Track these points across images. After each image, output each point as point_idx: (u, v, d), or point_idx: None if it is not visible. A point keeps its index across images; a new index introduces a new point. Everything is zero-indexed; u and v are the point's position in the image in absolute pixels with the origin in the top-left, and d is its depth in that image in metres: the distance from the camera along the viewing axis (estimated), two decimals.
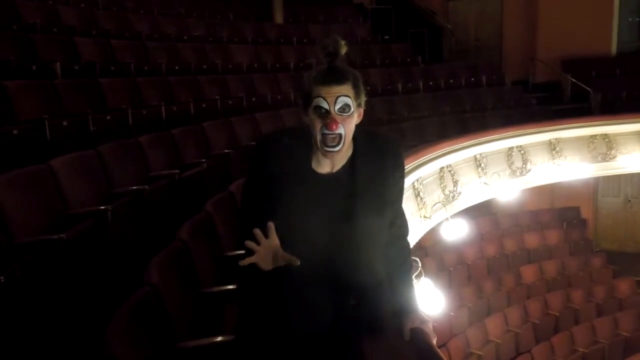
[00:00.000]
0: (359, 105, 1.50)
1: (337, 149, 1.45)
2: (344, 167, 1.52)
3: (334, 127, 1.43)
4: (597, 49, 10.77)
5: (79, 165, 3.14)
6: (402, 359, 1.56)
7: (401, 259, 1.63)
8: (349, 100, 1.46)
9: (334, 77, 1.46)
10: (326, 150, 1.46)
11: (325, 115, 1.45)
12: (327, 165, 1.52)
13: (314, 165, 1.51)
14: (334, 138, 1.44)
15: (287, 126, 5.92)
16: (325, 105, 1.44)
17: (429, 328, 1.57)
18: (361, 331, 1.53)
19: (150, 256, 2.19)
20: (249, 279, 1.57)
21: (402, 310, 1.58)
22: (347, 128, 1.46)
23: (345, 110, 1.45)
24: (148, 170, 3.81)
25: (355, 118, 1.49)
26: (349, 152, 1.52)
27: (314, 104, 1.46)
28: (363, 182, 1.50)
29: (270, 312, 1.51)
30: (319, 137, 1.45)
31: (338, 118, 1.44)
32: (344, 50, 1.49)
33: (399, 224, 1.63)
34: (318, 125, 1.45)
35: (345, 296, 1.48)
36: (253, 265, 1.51)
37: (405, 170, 1.66)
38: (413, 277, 1.67)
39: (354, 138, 1.52)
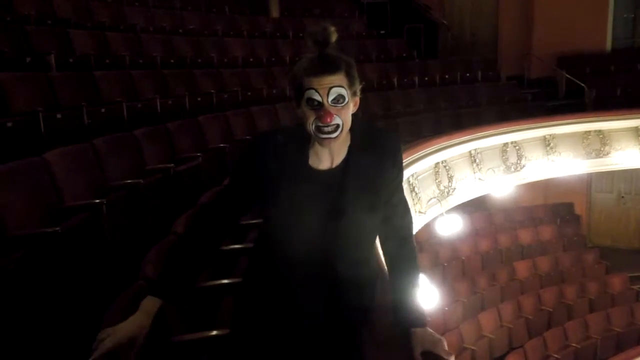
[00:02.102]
0: (354, 94, 1.42)
1: (334, 135, 1.37)
2: (342, 161, 1.45)
3: (328, 120, 1.35)
4: (592, 45, 10.81)
5: (73, 158, 3.13)
6: (399, 356, 1.55)
7: (407, 266, 1.55)
8: (342, 91, 1.37)
9: (326, 66, 1.37)
10: (322, 138, 1.37)
11: (319, 108, 1.37)
12: (327, 160, 1.45)
13: (311, 162, 1.44)
14: (330, 129, 1.37)
15: (281, 122, 5.93)
16: (318, 98, 1.36)
17: (442, 348, 1.47)
18: (355, 326, 1.52)
19: (145, 250, 2.18)
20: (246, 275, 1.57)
21: (409, 324, 1.51)
22: (343, 118, 1.38)
23: (340, 101, 1.37)
24: (143, 164, 3.80)
25: (350, 108, 1.41)
26: (347, 143, 1.45)
27: (305, 96, 1.37)
28: (356, 176, 1.43)
29: (263, 307, 1.49)
30: (312, 129, 1.38)
31: (332, 110, 1.36)
32: (334, 37, 1.39)
33: (401, 225, 1.56)
34: (311, 118, 1.37)
35: (339, 292, 1.45)
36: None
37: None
38: (419, 286, 1.55)
39: (352, 130, 1.45)
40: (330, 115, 1.35)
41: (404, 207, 1.56)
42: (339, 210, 1.41)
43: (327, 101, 1.36)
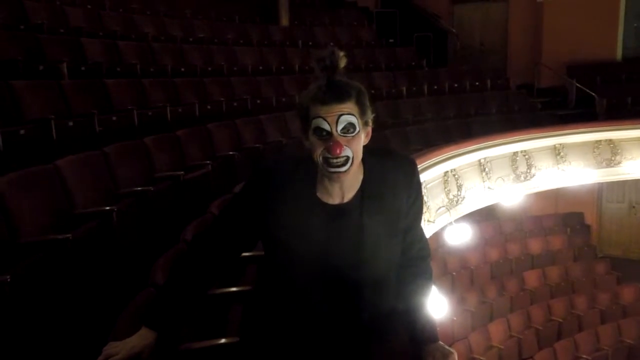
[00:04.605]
0: (365, 124, 1.32)
1: (343, 169, 1.28)
2: (355, 195, 1.36)
3: (338, 151, 1.25)
4: (602, 54, 10.76)
5: (84, 165, 3.16)
6: None
7: (420, 283, 1.51)
8: (353, 119, 1.27)
9: (334, 94, 1.27)
10: (331, 172, 1.28)
11: (327, 138, 1.27)
12: (337, 195, 1.36)
13: (320, 195, 1.36)
14: (339, 162, 1.27)
15: (290, 130, 5.94)
16: (326, 127, 1.26)
17: None
18: (368, 342, 1.49)
19: (154, 257, 2.19)
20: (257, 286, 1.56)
21: (422, 339, 1.49)
22: (353, 150, 1.28)
23: (350, 131, 1.27)
24: (153, 171, 3.82)
25: (362, 138, 1.31)
26: (359, 177, 1.36)
27: (313, 125, 1.27)
28: (373, 206, 1.35)
29: (274, 321, 1.47)
30: (321, 162, 1.29)
31: (342, 140, 1.26)
32: (343, 62, 1.30)
33: (419, 247, 1.51)
34: (319, 149, 1.28)
35: (360, 321, 1.40)
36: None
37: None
38: (430, 301, 1.53)
39: (364, 161, 1.36)
40: (340, 146, 1.26)
41: (421, 229, 1.53)
42: (358, 241, 1.35)
43: (336, 130, 1.27)
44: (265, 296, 1.49)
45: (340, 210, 1.36)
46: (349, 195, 1.37)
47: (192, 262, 1.46)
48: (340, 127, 1.28)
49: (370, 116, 1.34)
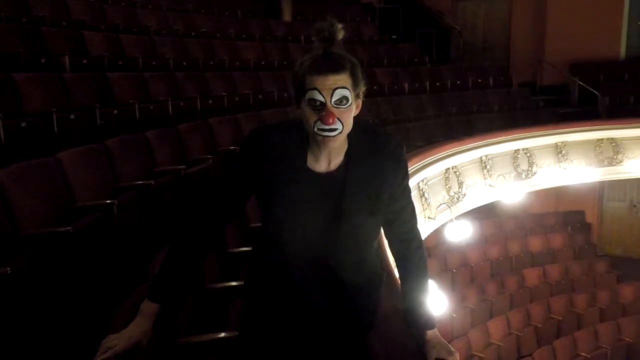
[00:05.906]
0: (357, 97, 1.36)
1: (333, 134, 1.32)
2: (341, 164, 1.41)
3: (331, 121, 1.30)
4: (605, 52, 10.73)
5: (86, 158, 3.16)
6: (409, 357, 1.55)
7: (413, 270, 1.54)
8: (346, 92, 1.31)
9: (330, 65, 1.31)
10: (322, 136, 1.32)
11: (320, 108, 1.31)
12: (324, 161, 1.40)
13: (309, 163, 1.40)
14: (330, 131, 1.32)
15: (280, 120, 5.93)
16: (321, 98, 1.30)
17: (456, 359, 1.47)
18: (359, 328, 1.52)
19: (155, 251, 2.20)
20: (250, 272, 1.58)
21: (420, 325, 1.53)
22: (345, 121, 1.33)
23: (343, 103, 1.32)
24: (154, 165, 3.82)
25: (353, 110, 1.36)
26: (345, 147, 1.41)
27: (307, 96, 1.31)
28: (355, 180, 1.39)
29: (266, 308, 1.50)
30: (313, 131, 1.33)
31: (335, 111, 1.31)
32: (340, 34, 1.34)
33: (405, 229, 1.53)
34: (312, 118, 1.32)
35: (339, 293, 1.45)
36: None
37: (410, 171, 1.56)
38: (429, 292, 1.55)
39: (352, 133, 1.40)
40: (333, 116, 1.30)
41: (410, 213, 1.53)
42: (338, 213, 1.39)
43: (330, 102, 1.31)
44: (257, 281, 1.52)
45: (328, 179, 1.41)
46: (335, 162, 1.41)
47: (192, 230, 1.48)
48: (334, 99, 1.32)
49: (362, 89, 1.38)
